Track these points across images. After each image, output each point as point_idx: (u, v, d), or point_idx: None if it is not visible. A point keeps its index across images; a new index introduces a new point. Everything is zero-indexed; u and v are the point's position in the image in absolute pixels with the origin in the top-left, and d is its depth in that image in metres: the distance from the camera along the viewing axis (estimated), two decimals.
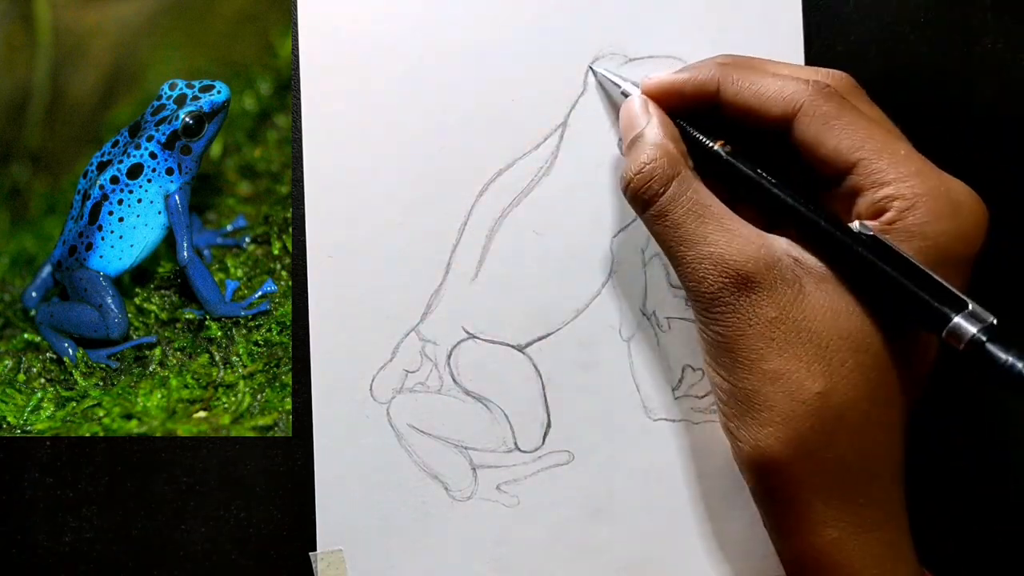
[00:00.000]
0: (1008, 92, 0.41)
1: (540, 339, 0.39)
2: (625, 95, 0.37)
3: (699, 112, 0.35)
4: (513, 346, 0.39)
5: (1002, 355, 0.28)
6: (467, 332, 0.39)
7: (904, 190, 0.31)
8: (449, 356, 0.39)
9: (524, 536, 0.39)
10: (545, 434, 0.39)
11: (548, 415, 0.39)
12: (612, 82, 0.38)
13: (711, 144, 0.34)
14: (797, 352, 0.31)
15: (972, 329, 0.29)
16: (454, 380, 0.39)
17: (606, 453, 0.39)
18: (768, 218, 0.34)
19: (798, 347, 0.31)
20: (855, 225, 0.31)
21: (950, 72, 0.41)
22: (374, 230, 0.39)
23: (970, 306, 0.29)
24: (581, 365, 0.39)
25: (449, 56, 0.39)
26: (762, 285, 0.31)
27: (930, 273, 0.30)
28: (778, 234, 0.33)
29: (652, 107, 0.35)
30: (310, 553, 0.39)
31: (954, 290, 0.30)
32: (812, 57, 0.40)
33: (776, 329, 0.31)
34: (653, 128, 0.34)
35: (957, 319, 0.29)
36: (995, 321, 0.29)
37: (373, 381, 0.39)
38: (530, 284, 0.39)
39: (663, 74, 0.36)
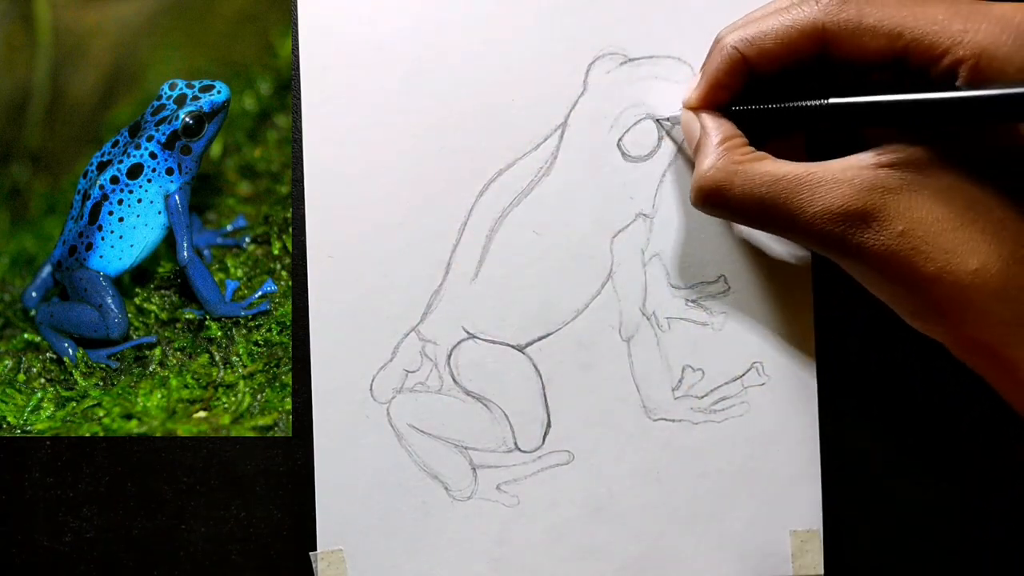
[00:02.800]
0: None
1: (540, 339, 0.39)
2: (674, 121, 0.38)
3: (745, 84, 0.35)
4: (513, 346, 0.39)
5: None
6: (467, 332, 0.39)
7: (961, 52, 0.30)
8: (449, 356, 0.39)
9: (524, 536, 0.39)
10: (545, 434, 0.39)
11: (548, 415, 0.39)
12: (668, 120, 0.39)
13: (809, 103, 0.34)
14: (938, 246, 0.31)
15: None
16: (454, 380, 0.39)
17: (606, 453, 0.39)
18: (848, 140, 0.34)
19: (936, 242, 0.31)
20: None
21: None
22: (374, 230, 0.39)
23: None
24: (581, 365, 0.39)
25: (449, 56, 0.39)
26: (876, 208, 0.31)
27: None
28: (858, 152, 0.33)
29: (702, 115, 0.36)
30: (310, 553, 0.39)
31: None
32: None
33: (910, 238, 0.31)
34: (705, 134, 0.35)
35: None
36: None
37: (373, 381, 0.39)
38: (530, 284, 0.39)
39: (693, 86, 0.36)
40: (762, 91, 0.35)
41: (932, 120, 0.31)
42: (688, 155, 0.39)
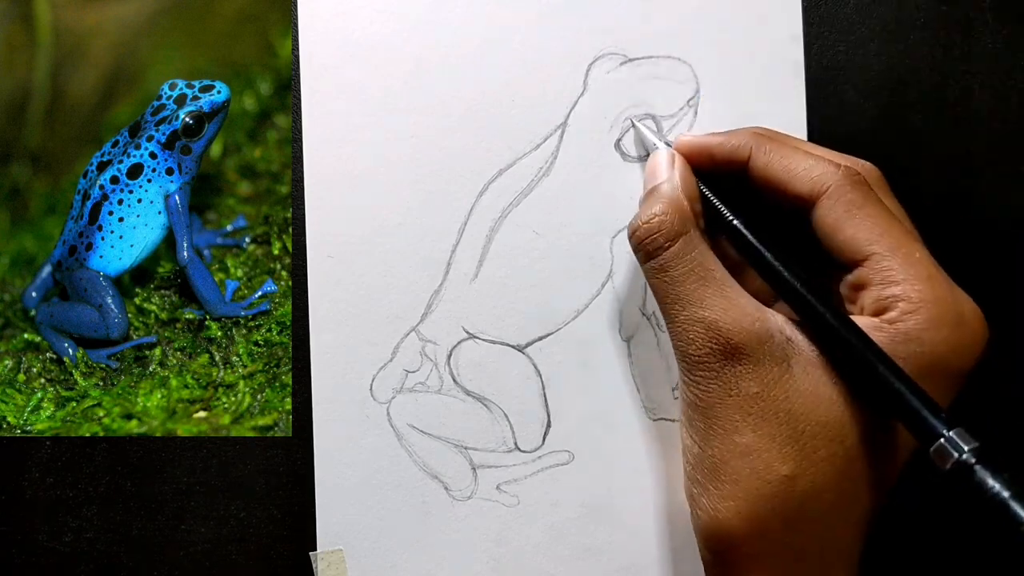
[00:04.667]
0: (1008, 92, 0.41)
1: (540, 339, 0.39)
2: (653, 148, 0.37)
3: (726, 178, 0.35)
4: (513, 346, 0.39)
5: (990, 481, 0.27)
6: (467, 332, 0.39)
7: (911, 293, 0.31)
8: (449, 356, 0.39)
9: (524, 536, 0.39)
10: (545, 434, 0.39)
11: (548, 415, 0.39)
12: (647, 138, 0.38)
13: (725, 211, 0.34)
14: (772, 431, 0.31)
15: (963, 448, 0.28)
16: (454, 380, 0.39)
17: (606, 453, 0.39)
18: (771, 292, 0.34)
19: (774, 426, 0.31)
20: (857, 320, 0.31)
21: (950, 72, 0.41)
22: (374, 230, 0.39)
23: (952, 432, 0.28)
24: (581, 365, 0.39)
25: (449, 56, 0.39)
26: (750, 358, 0.31)
27: (921, 389, 0.29)
28: (778, 310, 0.33)
29: (679, 162, 0.35)
30: (310, 553, 0.39)
31: (934, 415, 0.29)
32: (812, 57, 0.40)
33: (755, 404, 0.31)
34: (672, 182, 0.34)
35: (944, 440, 0.28)
36: (980, 446, 0.28)
37: (373, 381, 0.39)
38: (530, 284, 0.39)
39: (697, 134, 0.36)
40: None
41: (816, 331, 0.32)
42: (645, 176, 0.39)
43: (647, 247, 0.34)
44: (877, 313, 0.31)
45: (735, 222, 0.34)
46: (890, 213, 0.32)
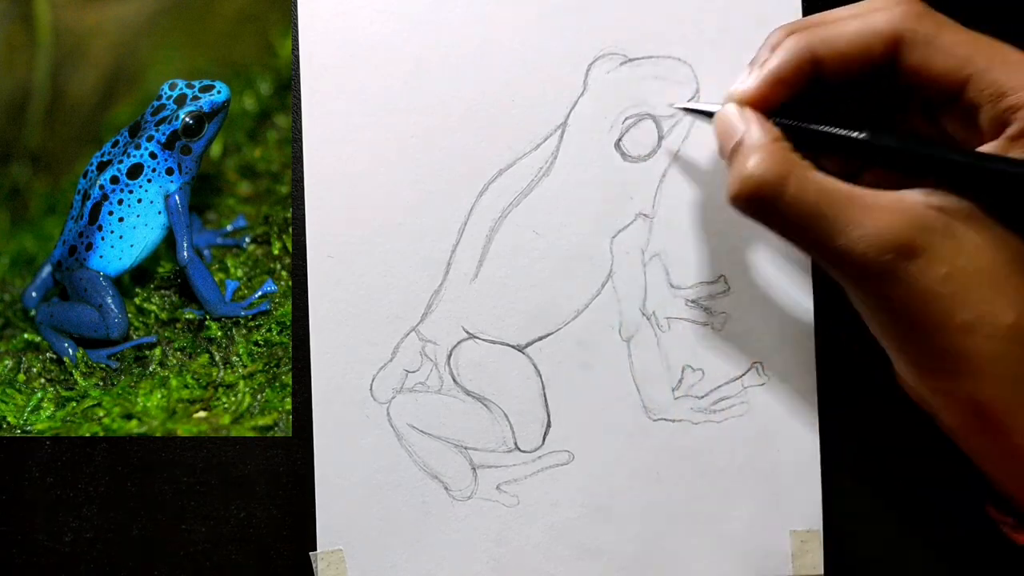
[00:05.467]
0: None
1: (540, 339, 0.39)
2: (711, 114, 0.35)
3: (796, 94, 0.34)
4: (513, 346, 0.39)
5: None
6: (467, 332, 0.39)
7: (1020, 100, 0.30)
8: (449, 356, 0.39)
9: (524, 536, 0.39)
10: (545, 434, 0.39)
11: (548, 415, 0.39)
12: (696, 111, 0.37)
13: (834, 131, 0.33)
14: (978, 296, 0.30)
15: None
16: (454, 380, 0.39)
17: (606, 453, 0.39)
18: (892, 177, 0.33)
19: (976, 291, 0.30)
20: (986, 148, 0.31)
21: None
22: (374, 230, 0.39)
23: None
24: (581, 365, 0.39)
25: (449, 56, 0.39)
26: (924, 247, 0.30)
27: None
28: (906, 188, 0.32)
29: (748, 112, 0.33)
30: (310, 553, 0.39)
31: None
32: None
33: (951, 283, 0.30)
34: (751, 133, 0.32)
35: None
36: None
37: (373, 381, 0.39)
38: (530, 284, 0.39)
39: (751, 77, 0.34)
40: (807, 109, 0.34)
41: (967, 187, 0.31)
42: (689, 156, 0.39)
43: (761, 202, 0.31)
44: (999, 131, 0.31)
45: (842, 133, 0.33)
46: (965, 29, 0.32)
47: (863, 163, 0.34)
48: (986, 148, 0.31)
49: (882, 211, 0.31)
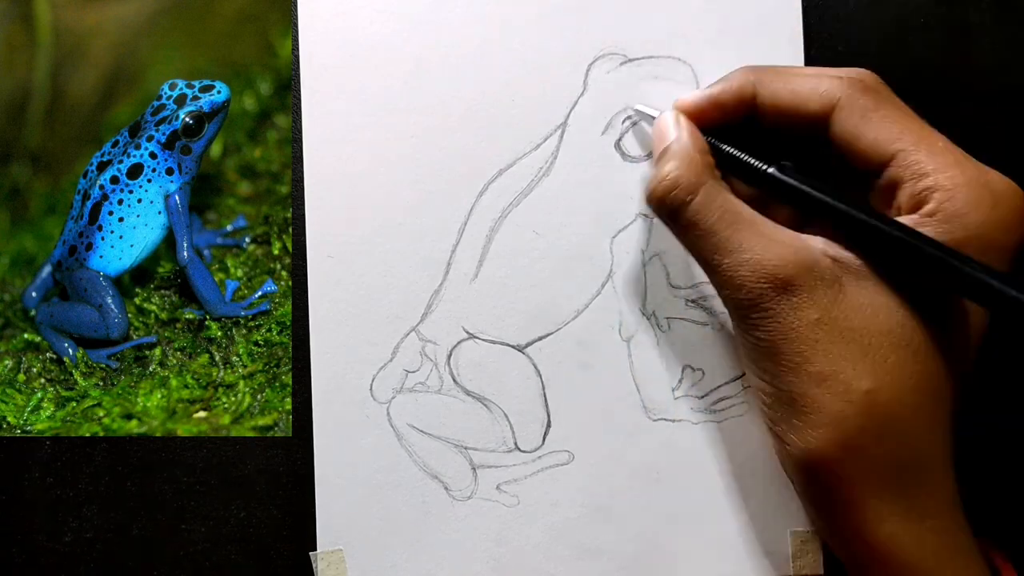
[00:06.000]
0: (1008, 92, 0.41)
1: (540, 339, 0.39)
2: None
3: (729, 124, 0.35)
4: (513, 346, 0.39)
5: None
6: (467, 332, 0.39)
7: (943, 180, 0.31)
8: (449, 356, 0.39)
9: (524, 536, 0.39)
10: (545, 434, 0.39)
11: (548, 415, 0.39)
12: (648, 113, 0.38)
13: (739, 155, 0.34)
14: (842, 352, 0.31)
15: None
16: (454, 380, 0.39)
17: (606, 453, 0.39)
18: (800, 218, 0.34)
19: (842, 347, 0.31)
20: (901, 219, 0.31)
21: (950, 72, 0.41)
22: (374, 230, 0.39)
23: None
24: (581, 365, 0.39)
25: (449, 56, 0.39)
26: (802, 288, 0.31)
27: (972, 259, 0.30)
28: (811, 234, 0.33)
29: (683, 120, 0.35)
30: (310, 553, 0.39)
31: (1002, 281, 0.29)
32: (812, 58, 0.40)
33: (819, 330, 0.31)
34: (680, 140, 0.34)
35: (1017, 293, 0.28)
36: None
37: (373, 381, 0.39)
38: (530, 284, 0.39)
39: (695, 92, 0.36)
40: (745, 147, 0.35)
41: (865, 245, 0.32)
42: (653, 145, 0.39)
43: (669, 205, 0.33)
44: (915, 208, 0.31)
45: (751, 161, 0.34)
46: (904, 110, 0.33)
47: (773, 198, 0.35)
48: (901, 219, 0.32)
49: (774, 243, 0.32)
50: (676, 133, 0.35)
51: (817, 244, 0.32)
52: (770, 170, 0.34)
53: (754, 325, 0.32)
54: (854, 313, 0.31)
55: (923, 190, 0.31)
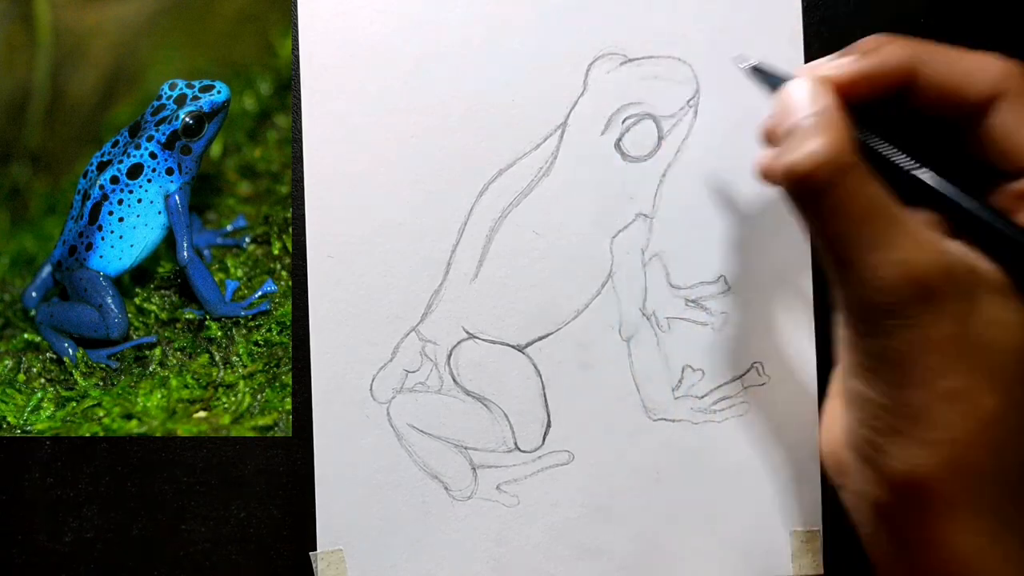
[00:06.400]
0: None
1: (540, 339, 0.39)
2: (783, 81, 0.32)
3: (869, 105, 0.31)
4: (513, 346, 0.39)
5: None
6: (467, 332, 0.39)
7: None
8: (449, 356, 0.39)
9: (524, 536, 0.39)
10: (545, 434, 0.39)
11: (548, 415, 0.39)
12: (774, 74, 0.34)
13: (894, 154, 0.31)
14: (974, 369, 0.28)
15: None
16: (454, 380, 0.39)
17: (606, 453, 0.39)
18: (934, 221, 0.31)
19: (975, 363, 0.28)
20: None
21: None
22: (374, 230, 0.39)
23: None
24: (581, 365, 0.39)
25: (449, 56, 0.39)
26: (944, 297, 0.28)
27: None
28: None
29: (830, 94, 0.30)
30: (310, 553, 0.39)
31: None
32: (812, 57, 0.40)
33: (954, 345, 0.28)
34: (829, 111, 0.29)
35: None
36: None
37: (373, 381, 0.39)
38: (530, 284, 0.39)
39: (841, 62, 0.31)
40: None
41: (1009, 262, 0.29)
42: (689, 156, 0.39)
43: (813, 186, 0.28)
44: None
45: (900, 160, 0.30)
46: None
47: (909, 202, 0.31)
48: None
49: (923, 244, 0.28)
50: (823, 103, 0.30)
51: (957, 250, 0.29)
52: (923, 175, 0.30)
53: (886, 332, 0.29)
54: (989, 328, 0.28)
55: None
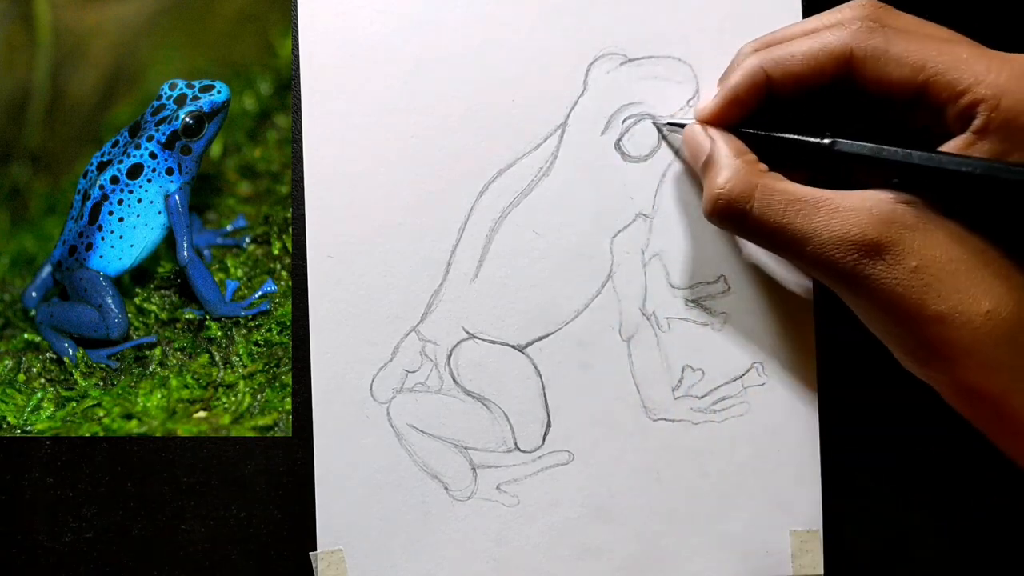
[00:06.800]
0: None
1: (540, 339, 0.39)
2: (679, 126, 0.38)
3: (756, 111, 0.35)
4: (513, 346, 0.39)
5: None
6: (467, 332, 0.39)
7: (982, 91, 0.30)
8: (449, 356, 0.39)
9: (524, 536, 0.39)
10: (545, 434, 0.39)
11: (548, 415, 0.39)
12: (671, 125, 0.38)
13: (798, 137, 0.34)
14: (951, 286, 0.31)
15: None
16: (454, 380, 0.39)
17: (606, 453, 0.39)
18: (855, 181, 0.34)
19: (949, 282, 0.31)
20: (954, 142, 0.31)
21: None
22: (374, 230, 0.39)
23: None
24: (581, 365, 0.39)
25: (449, 56, 0.39)
26: (891, 242, 0.31)
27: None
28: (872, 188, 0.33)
29: (710, 129, 0.36)
30: (310, 553, 0.39)
31: None
32: None
33: (922, 275, 0.31)
34: (717, 149, 0.35)
35: None
36: None
37: (373, 381, 0.39)
38: (530, 284, 0.39)
39: (711, 99, 0.36)
40: (772, 116, 0.35)
41: (934, 185, 0.32)
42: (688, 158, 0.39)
43: (732, 218, 0.34)
44: (965, 126, 0.31)
45: (805, 139, 0.34)
46: (915, 30, 0.32)
47: (826, 167, 0.35)
48: (954, 143, 0.32)
49: (846, 212, 0.32)
50: (710, 144, 0.35)
51: (886, 195, 0.32)
52: (825, 142, 0.34)
53: (862, 292, 0.32)
54: (947, 245, 0.31)
55: (966, 107, 0.31)
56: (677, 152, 0.39)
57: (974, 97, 0.31)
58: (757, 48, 0.35)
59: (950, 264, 0.31)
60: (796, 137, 0.34)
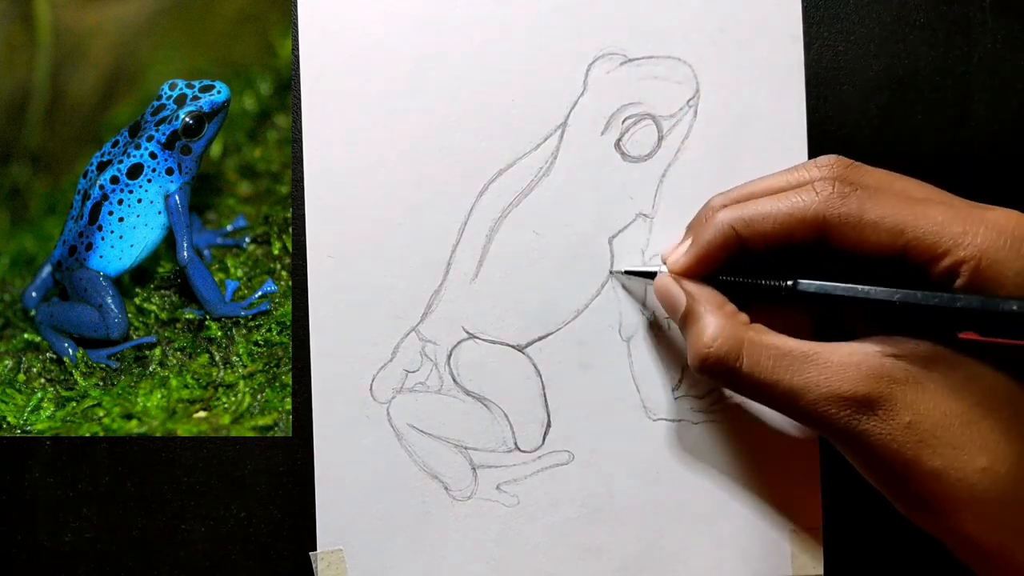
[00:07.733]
0: (1008, 92, 0.41)
1: (540, 339, 0.39)
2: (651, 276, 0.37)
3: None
4: (513, 346, 0.39)
5: None
6: (467, 332, 0.39)
7: (962, 253, 0.30)
8: (449, 356, 0.39)
9: (524, 536, 0.39)
10: (545, 434, 0.39)
11: (548, 415, 0.39)
12: (639, 274, 0.38)
13: (764, 282, 0.34)
14: (945, 441, 0.31)
15: None
16: (454, 380, 0.39)
17: (606, 453, 0.39)
18: (833, 322, 0.34)
19: (943, 437, 0.30)
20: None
21: (950, 72, 0.41)
22: (374, 230, 0.39)
23: None
24: (581, 365, 0.39)
25: (449, 56, 0.39)
26: (883, 397, 0.31)
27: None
28: (861, 340, 0.32)
29: (685, 283, 0.35)
30: (310, 553, 0.39)
31: None
32: (811, 57, 0.40)
33: (916, 431, 0.31)
34: (698, 303, 0.34)
35: None
36: None
37: (373, 381, 0.39)
38: (530, 284, 0.39)
39: (680, 250, 0.35)
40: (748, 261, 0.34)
41: (903, 321, 0.31)
42: (689, 156, 0.39)
43: (722, 374, 0.33)
44: (951, 282, 0.31)
45: (771, 284, 0.34)
46: (889, 190, 0.32)
47: (806, 309, 0.35)
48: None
49: (835, 368, 0.31)
50: (685, 298, 0.34)
51: (872, 349, 0.32)
52: (790, 283, 0.33)
53: (856, 448, 0.32)
54: (940, 399, 0.31)
55: (949, 268, 0.30)
56: (677, 152, 0.39)
57: (954, 260, 0.30)
58: (726, 204, 0.34)
59: (944, 419, 0.31)
60: (759, 282, 0.34)
